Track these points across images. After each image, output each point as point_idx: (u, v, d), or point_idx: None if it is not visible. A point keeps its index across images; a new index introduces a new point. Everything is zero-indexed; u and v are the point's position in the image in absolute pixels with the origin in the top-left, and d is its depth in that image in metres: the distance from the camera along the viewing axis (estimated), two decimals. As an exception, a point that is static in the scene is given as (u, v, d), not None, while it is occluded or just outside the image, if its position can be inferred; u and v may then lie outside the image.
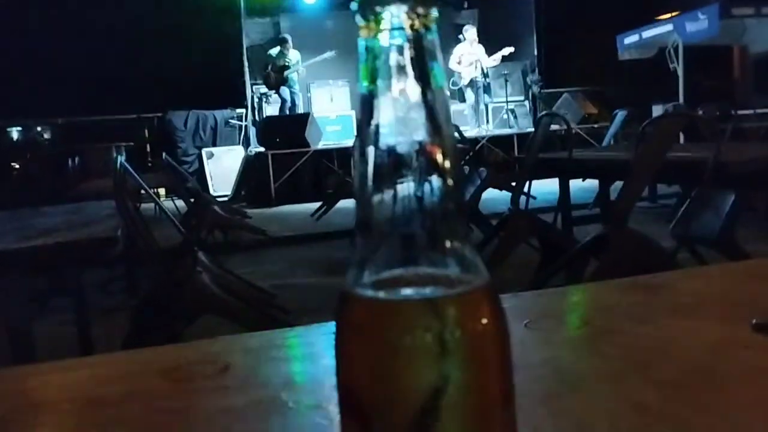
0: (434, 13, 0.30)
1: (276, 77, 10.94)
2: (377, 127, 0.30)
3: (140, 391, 0.70)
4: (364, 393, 0.27)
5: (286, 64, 10.89)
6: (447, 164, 0.30)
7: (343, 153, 10.27)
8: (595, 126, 11.34)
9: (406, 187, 0.30)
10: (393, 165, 0.30)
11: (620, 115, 7.93)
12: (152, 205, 6.40)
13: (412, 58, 0.30)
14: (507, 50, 11.51)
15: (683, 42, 10.64)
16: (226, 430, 0.60)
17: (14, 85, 10.64)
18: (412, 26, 0.29)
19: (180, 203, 6.73)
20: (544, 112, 10.46)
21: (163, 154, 5.96)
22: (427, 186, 0.29)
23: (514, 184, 3.86)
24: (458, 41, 11.85)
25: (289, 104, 11.06)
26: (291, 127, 10.11)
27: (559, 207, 3.99)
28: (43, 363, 0.85)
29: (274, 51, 11.04)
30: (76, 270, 3.35)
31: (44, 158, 8.02)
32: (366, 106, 0.30)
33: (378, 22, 0.30)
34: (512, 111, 12.08)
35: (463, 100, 11.99)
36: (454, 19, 13.39)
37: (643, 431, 0.52)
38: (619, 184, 5.23)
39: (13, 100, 10.46)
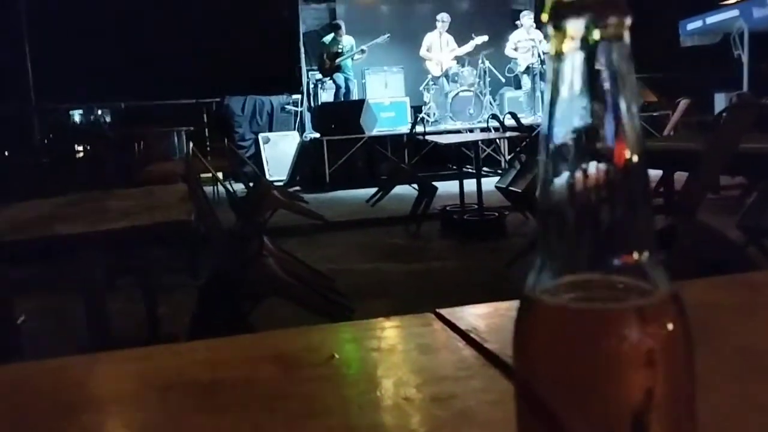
0: (627, 20, 0.30)
1: (330, 64, 10.98)
2: (561, 127, 0.31)
3: (254, 377, 0.72)
4: (564, 405, 0.28)
5: (340, 50, 10.93)
6: (638, 168, 0.30)
7: (398, 139, 10.28)
8: (655, 114, 11.07)
9: (593, 189, 0.30)
10: (578, 163, 0.30)
11: (683, 103, 7.73)
12: (210, 188, 6.53)
13: (602, 68, 0.30)
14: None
15: (749, 28, 10.29)
16: (348, 420, 0.61)
17: (77, 70, 10.95)
18: (603, 37, 0.30)
19: (238, 186, 6.84)
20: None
21: (225, 140, 6.07)
22: (616, 189, 0.30)
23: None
24: (515, 27, 11.69)
25: (343, 90, 11.10)
26: (346, 113, 10.15)
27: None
28: (143, 348, 0.88)
29: (328, 38, 11.09)
30: (147, 251, 3.45)
31: (109, 142, 8.24)
32: (553, 110, 0.31)
33: (568, 32, 0.30)
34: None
35: (519, 87, 11.84)
36: (511, 4, 13.21)
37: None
38: (680, 174, 5.11)
39: (76, 84, 10.76)
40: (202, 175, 5.89)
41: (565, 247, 0.31)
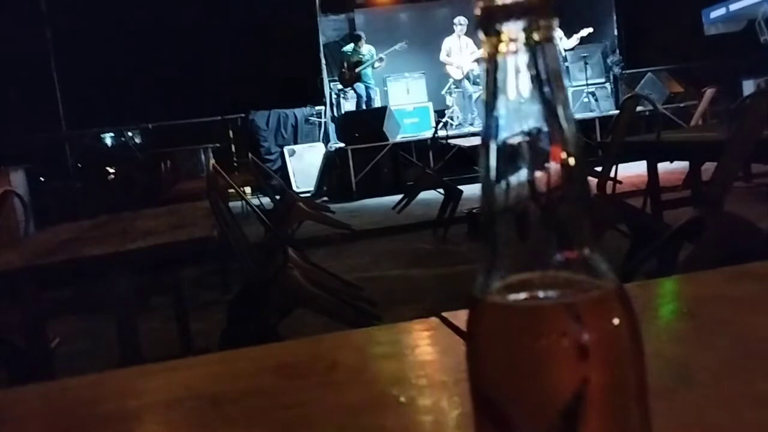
0: (555, 23, 0.31)
1: (350, 74, 11.04)
2: (500, 131, 0.31)
3: (256, 388, 0.73)
4: (507, 400, 0.28)
5: (360, 60, 10.99)
6: (575, 167, 0.31)
7: (422, 145, 10.28)
8: (681, 105, 10.91)
9: (531, 188, 0.31)
10: (518, 165, 0.31)
11: (708, 92, 7.61)
12: (239, 203, 6.61)
13: (535, 70, 0.31)
14: (585, 31, 11.22)
15: (775, 12, 10.10)
16: (343, 426, 0.62)
17: (105, 94, 11.16)
18: (532, 39, 0.30)
19: (265, 200, 6.91)
20: (627, 95, 10.16)
21: (249, 154, 6.13)
22: (554, 187, 0.30)
23: (598, 169, 3.77)
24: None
25: (365, 99, 11.15)
26: (369, 121, 10.19)
27: (648, 190, 3.88)
28: (156, 363, 0.90)
29: (348, 48, 11.15)
30: (176, 268, 3.50)
31: (138, 162, 8.39)
32: (490, 115, 0.31)
33: (499, 36, 0.31)
34: (593, 94, 11.77)
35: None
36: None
37: None
38: (709, 165, 5.03)
39: (104, 108, 10.98)
40: (230, 191, 5.98)
41: (509, 248, 0.31)
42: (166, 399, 0.73)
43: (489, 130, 0.31)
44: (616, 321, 0.29)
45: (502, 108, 0.31)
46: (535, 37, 0.30)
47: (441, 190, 6.94)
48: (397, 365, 0.77)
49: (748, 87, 11.02)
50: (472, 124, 10.96)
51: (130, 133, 11.78)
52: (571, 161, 0.31)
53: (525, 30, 0.30)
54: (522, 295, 0.30)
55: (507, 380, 0.29)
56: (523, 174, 0.31)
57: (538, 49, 0.30)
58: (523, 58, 0.31)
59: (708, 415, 0.53)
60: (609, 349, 0.28)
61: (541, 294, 0.30)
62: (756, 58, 10.62)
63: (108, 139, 12.78)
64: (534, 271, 0.31)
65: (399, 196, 7.55)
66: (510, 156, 0.31)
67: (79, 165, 10.56)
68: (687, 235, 2.95)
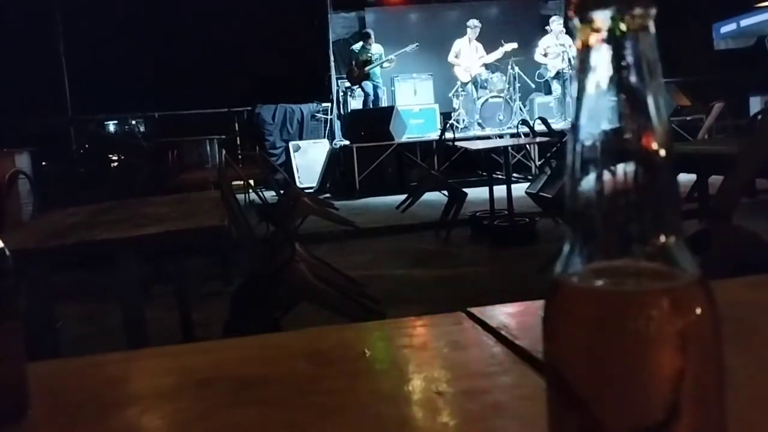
0: (652, 11, 0.31)
1: (359, 72, 11.05)
2: (590, 121, 0.32)
3: (288, 373, 0.74)
4: (592, 385, 0.29)
5: (369, 58, 10.99)
6: (664, 159, 0.31)
7: (427, 146, 10.29)
8: (688, 119, 10.92)
9: (619, 178, 0.31)
10: (607, 155, 0.31)
11: (716, 107, 7.62)
12: (242, 195, 6.61)
13: (629, 60, 0.31)
14: (596, 40, 11.21)
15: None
16: (380, 413, 0.63)
17: (112, 82, 11.16)
18: (629, 27, 0.31)
19: (268, 194, 6.91)
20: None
21: (257, 147, 6.14)
22: (643, 177, 0.31)
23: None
24: (545, 32, 11.64)
25: (372, 98, 11.15)
26: (375, 120, 10.19)
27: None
28: (187, 344, 0.90)
29: (357, 46, 11.16)
30: (180, 257, 3.50)
31: (143, 151, 8.38)
32: (580, 104, 0.32)
33: (594, 24, 0.31)
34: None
35: (549, 92, 11.79)
36: (540, 9, 13.16)
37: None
38: (715, 179, 5.03)
39: (111, 95, 10.98)
40: (234, 183, 5.98)
41: (593, 235, 0.32)
42: (197, 379, 0.74)
43: (578, 120, 0.32)
44: (704, 310, 0.29)
45: (593, 97, 0.32)
46: (630, 25, 0.31)
47: (445, 192, 6.94)
48: (428, 356, 0.78)
49: (755, 103, 11.04)
50: (478, 128, 10.97)
51: (134, 122, 11.78)
52: (661, 152, 0.31)
53: (619, 18, 0.31)
54: (609, 282, 0.30)
55: (594, 365, 0.29)
56: (610, 163, 0.31)
57: (631, 38, 0.31)
58: (617, 47, 0.31)
59: (748, 419, 0.53)
60: (701, 340, 0.29)
61: (627, 281, 0.30)
62: (764, 75, 10.63)
63: (112, 126, 12.77)
64: (619, 258, 0.31)
65: (402, 196, 7.56)
66: (599, 145, 0.31)
67: (83, 151, 10.57)
68: (694, 248, 2.95)
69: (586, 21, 0.31)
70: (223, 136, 8.18)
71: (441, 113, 11.33)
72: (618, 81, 0.31)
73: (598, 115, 0.31)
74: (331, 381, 0.70)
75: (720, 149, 3.61)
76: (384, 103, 11.31)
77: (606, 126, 0.31)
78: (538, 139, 7.13)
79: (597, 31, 0.31)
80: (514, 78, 11.37)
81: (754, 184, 7.13)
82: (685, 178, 5.16)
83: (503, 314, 0.91)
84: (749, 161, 2.79)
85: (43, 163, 9.49)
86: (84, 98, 10.77)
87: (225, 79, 11.14)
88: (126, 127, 11.71)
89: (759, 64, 10.80)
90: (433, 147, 10.03)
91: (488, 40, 11.27)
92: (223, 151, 2.87)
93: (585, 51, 0.32)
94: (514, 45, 11.05)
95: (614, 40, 0.31)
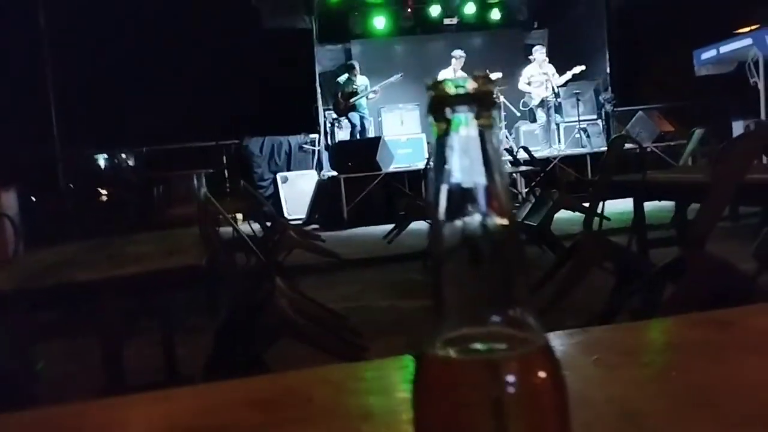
0: (496, 114, 0.35)
1: (345, 103, 11.16)
2: (444, 205, 0.35)
3: (232, 423, 0.76)
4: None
5: (354, 90, 11.11)
6: (509, 234, 0.35)
7: (414, 175, 10.36)
8: (672, 144, 11.06)
9: (470, 251, 0.35)
10: (459, 234, 0.35)
11: (697, 132, 7.73)
12: (230, 228, 6.62)
13: (477, 152, 0.35)
14: (578, 68, 11.39)
15: (764, 55, 10.28)
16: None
17: (100, 115, 11.21)
18: (477, 125, 0.35)
19: (257, 227, 6.93)
20: (615, 135, 10.27)
21: (241, 181, 6.18)
22: (491, 253, 0.34)
23: (587, 204, 3.82)
24: (528, 62, 11.81)
25: (359, 129, 11.25)
26: (363, 150, 10.27)
27: (634, 229, 3.93)
28: (137, 394, 0.92)
29: (343, 78, 11.28)
30: (164, 293, 3.51)
31: (132, 185, 8.40)
32: (435, 187, 0.36)
33: (448, 121, 0.35)
34: (584, 130, 11.92)
35: (533, 120, 11.92)
36: (524, 39, 13.36)
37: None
38: (696, 205, 5.08)
39: (99, 130, 11.02)
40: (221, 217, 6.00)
41: (449, 306, 0.35)
42: (145, 430, 0.76)
43: (437, 197, 0.35)
44: (537, 376, 0.33)
45: (446, 181, 0.35)
46: (479, 123, 0.34)
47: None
48: (369, 401, 0.80)
49: (738, 128, 11.19)
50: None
51: (123, 156, 11.82)
52: (507, 230, 0.35)
53: (470, 117, 0.34)
54: (450, 350, 0.34)
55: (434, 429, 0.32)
56: (462, 241, 0.35)
57: (479, 133, 0.35)
58: (467, 140, 0.35)
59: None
60: (525, 404, 0.32)
61: (469, 349, 0.34)
62: (745, 100, 10.80)
63: (101, 160, 12.80)
64: (468, 326, 0.35)
65: (390, 226, 7.59)
66: (453, 225, 0.35)
67: (71, 186, 10.57)
68: (670, 276, 2.99)
69: (440, 119, 0.35)
70: (211, 170, 8.22)
71: (428, 142, 11.43)
72: (467, 168, 0.35)
73: (452, 199, 0.35)
74: (275, 429, 0.73)
75: (694, 177, 3.67)
76: (371, 133, 11.41)
77: (458, 209, 0.35)
78: (521, 168, 7.20)
79: (448, 127, 0.35)
80: (500, 107, 11.51)
81: (737, 209, 7.22)
82: (670, 204, 5.23)
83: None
84: (722, 187, 2.84)
85: (32, 198, 9.49)
86: (72, 132, 10.80)
87: (214, 113, 11.22)
88: (115, 161, 11.73)
89: (740, 89, 10.96)
90: (420, 176, 10.10)
91: (472, 70, 11.39)
92: (203, 187, 2.90)
93: (438, 142, 0.36)
94: (499, 75, 11.19)
95: (463, 135, 0.35)
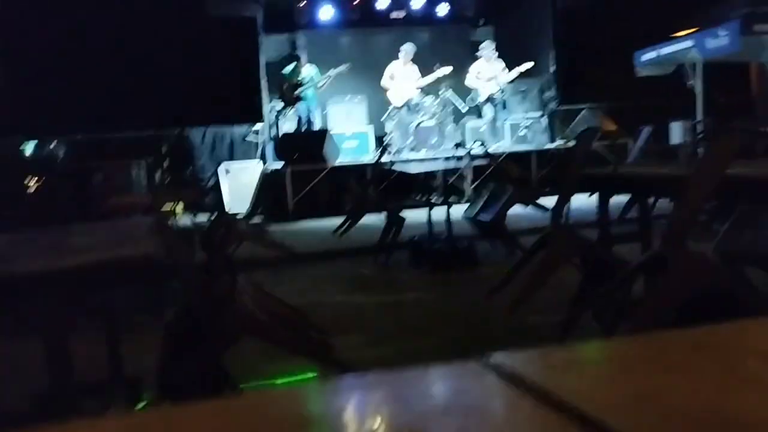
0: None
1: (290, 94, 10.90)
2: None
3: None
4: None
5: (300, 81, 10.86)
6: None
7: (361, 169, 10.18)
8: (616, 143, 11.19)
9: None
10: None
11: (646, 131, 7.82)
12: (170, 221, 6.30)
13: None
14: (525, 66, 11.43)
15: (703, 58, 10.52)
16: None
17: (30, 101, 10.58)
18: None
19: (198, 219, 6.62)
20: (586, 127, 10.33)
21: (189, 168, 5.88)
22: None
23: (550, 199, 3.74)
24: (475, 58, 11.78)
25: (305, 120, 11.01)
26: (309, 143, 10.04)
27: (600, 224, 3.87)
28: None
29: (288, 68, 11.02)
30: (111, 288, 3.23)
31: (65, 175, 7.92)
32: None
33: None
34: (528, 127, 11.99)
35: (479, 116, 11.90)
36: (471, 36, 13.35)
37: None
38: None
39: (29, 113, 10.40)
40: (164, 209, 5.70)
41: None
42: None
43: None
44: None
45: None
46: None
47: (382, 216, 6.81)
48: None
49: (676, 129, 11.45)
50: (411, 152, 10.94)
51: (55, 143, 11.19)
52: None
53: None
54: None
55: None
56: None
57: None
58: None
59: None
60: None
61: None
62: (682, 102, 11.04)
63: (30, 148, 12.10)
64: None
65: (337, 220, 7.39)
66: None
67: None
68: (648, 271, 2.91)
69: None
70: (151, 159, 7.84)
71: (375, 137, 11.29)
72: None
73: None
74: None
75: (671, 171, 3.62)
76: (317, 125, 11.18)
77: None
78: (476, 162, 7.12)
79: None
80: (447, 102, 11.45)
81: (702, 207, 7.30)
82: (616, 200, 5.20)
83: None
84: (704, 182, 2.77)
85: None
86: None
87: (153, 100, 10.73)
88: (46, 148, 11.09)
89: (678, 91, 11.21)
90: (367, 171, 9.93)
91: (419, 65, 11.32)
92: (158, 174, 2.66)
93: None
94: (449, 68, 11.13)
95: None
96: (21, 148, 10.88)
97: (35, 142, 10.42)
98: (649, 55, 11.64)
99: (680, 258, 2.67)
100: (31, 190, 7.40)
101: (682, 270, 2.67)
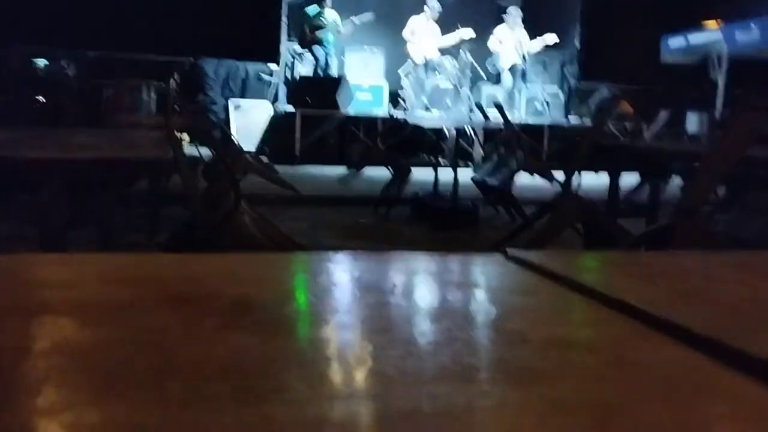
0: None
1: (311, 36, 10.74)
2: None
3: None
4: None
5: (322, 23, 10.69)
6: None
7: (372, 122, 10.09)
8: (629, 123, 11.09)
9: None
10: None
11: (663, 114, 7.73)
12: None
13: None
14: (551, 39, 11.25)
15: (731, 52, 10.37)
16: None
17: (44, 11, 10.40)
18: None
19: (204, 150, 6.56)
20: (609, 95, 10.20)
21: (201, 95, 5.82)
22: None
23: (562, 169, 3.70)
24: (500, 21, 11.59)
25: (322, 65, 10.86)
26: (323, 88, 9.93)
27: (610, 196, 3.84)
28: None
29: (311, 9, 10.83)
30: (109, 197, 3.21)
31: (73, 91, 7.84)
32: None
33: None
34: (546, 102, 11.85)
35: (496, 82, 11.72)
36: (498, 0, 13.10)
37: None
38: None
39: (41, 28, 10.24)
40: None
41: None
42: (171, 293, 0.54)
43: None
44: None
45: None
46: None
47: (389, 168, 6.77)
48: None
49: (693, 119, 11.33)
50: (424, 111, 10.84)
51: (64, 61, 11.04)
52: None
53: None
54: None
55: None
56: None
57: None
58: None
59: None
60: None
61: None
62: (703, 94, 10.91)
63: (41, 63, 11.95)
64: None
65: (342, 168, 7.34)
66: None
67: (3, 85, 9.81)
68: (652, 242, 2.89)
69: None
70: (162, 84, 7.75)
71: (390, 91, 11.17)
72: None
73: None
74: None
75: (683, 148, 3.58)
76: (333, 72, 11.04)
77: None
78: (492, 125, 7.05)
79: None
80: (466, 65, 11.30)
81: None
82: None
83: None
84: (724, 158, 2.74)
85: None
86: (8, 27, 9.99)
87: (170, 26, 10.56)
88: (60, 64, 10.94)
89: (700, 81, 11.08)
90: (377, 123, 9.85)
91: (442, 24, 11.13)
92: (173, 92, 2.61)
93: None
94: (472, 34, 10.95)
95: None
96: (34, 61, 10.75)
97: (47, 56, 10.29)
98: (677, 42, 11.49)
99: (685, 230, 2.64)
100: (43, 101, 7.32)
101: (684, 243, 2.64)
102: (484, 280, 0.68)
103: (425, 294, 0.64)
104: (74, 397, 0.43)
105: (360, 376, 0.46)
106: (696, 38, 10.79)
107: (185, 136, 8.58)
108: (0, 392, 0.43)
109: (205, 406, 0.42)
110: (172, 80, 2.50)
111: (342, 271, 0.73)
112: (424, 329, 0.54)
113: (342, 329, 0.55)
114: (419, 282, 0.69)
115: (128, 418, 0.40)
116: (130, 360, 0.48)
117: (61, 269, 0.68)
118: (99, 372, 0.46)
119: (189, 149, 6.75)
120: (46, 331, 0.52)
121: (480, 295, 0.62)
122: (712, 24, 10.80)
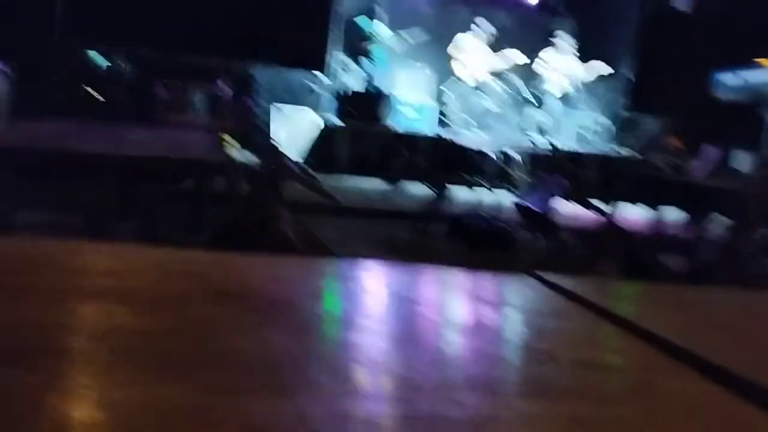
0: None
1: (359, 48, 10.83)
2: None
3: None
4: None
5: (371, 36, 10.77)
6: None
7: (417, 139, 10.12)
8: (674, 158, 10.91)
9: None
10: None
11: (714, 151, 7.60)
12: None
13: None
14: (605, 69, 11.17)
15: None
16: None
17: (104, 9, 10.67)
18: None
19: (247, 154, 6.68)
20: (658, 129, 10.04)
21: (248, 100, 5.91)
22: None
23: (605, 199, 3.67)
24: (548, 44, 11.53)
25: (368, 78, 10.93)
26: (369, 102, 10.00)
27: (652, 229, 3.80)
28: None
29: (362, 21, 10.92)
30: (153, 195, 3.30)
31: (127, 88, 8.04)
32: None
33: None
34: (592, 130, 11.74)
35: (538, 105, 11.62)
36: (549, 24, 13.02)
37: None
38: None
39: (102, 24, 10.50)
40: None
41: None
42: (216, 289, 0.57)
43: None
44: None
45: None
46: None
47: (429, 185, 6.80)
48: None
49: (737, 157, 11.06)
50: (470, 129, 10.83)
51: (122, 58, 11.29)
52: None
53: None
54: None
55: None
56: None
57: None
58: None
59: None
60: None
61: None
62: (749, 132, 10.67)
63: (100, 59, 12.23)
64: None
65: (382, 183, 7.38)
66: None
67: (58, 79, 10.07)
68: (692, 279, 2.86)
69: None
70: (214, 86, 7.90)
71: (438, 109, 11.19)
72: None
73: None
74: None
75: (731, 186, 3.53)
76: (380, 86, 11.11)
77: None
78: (537, 150, 7.04)
79: None
80: (513, 89, 11.27)
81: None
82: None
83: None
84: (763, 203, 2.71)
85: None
86: (76, 21, 10.28)
87: (220, 29, 10.73)
88: (115, 61, 11.21)
89: (749, 120, 10.85)
90: (421, 141, 9.88)
91: (493, 45, 11.13)
92: (224, 96, 2.68)
93: None
94: (525, 59, 10.93)
95: None
96: (90, 56, 11.04)
97: (105, 54, 10.56)
98: (729, 79, 11.28)
99: (729, 267, 2.61)
100: (99, 98, 7.53)
101: (728, 283, 2.61)
102: (515, 300, 0.70)
103: (455, 308, 0.66)
104: (120, 378, 0.46)
105: (387, 379, 0.48)
106: (749, 76, 10.59)
107: (232, 140, 8.73)
108: (53, 366, 0.46)
109: (242, 396, 0.44)
110: (223, 84, 2.56)
111: (376, 280, 0.76)
112: (452, 341, 0.56)
113: (372, 334, 0.57)
114: (450, 296, 0.71)
115: (166, 401, 0.43)
116: (174, 348, 0.50)
117: (111, 259, 0.71)
118: (146, 356, 0.49)
119: (236, 152, 6.88)
120: (99, 316, 0.55)
121: (510, 314, 0.64)
122: (766, 63, 10.60)
